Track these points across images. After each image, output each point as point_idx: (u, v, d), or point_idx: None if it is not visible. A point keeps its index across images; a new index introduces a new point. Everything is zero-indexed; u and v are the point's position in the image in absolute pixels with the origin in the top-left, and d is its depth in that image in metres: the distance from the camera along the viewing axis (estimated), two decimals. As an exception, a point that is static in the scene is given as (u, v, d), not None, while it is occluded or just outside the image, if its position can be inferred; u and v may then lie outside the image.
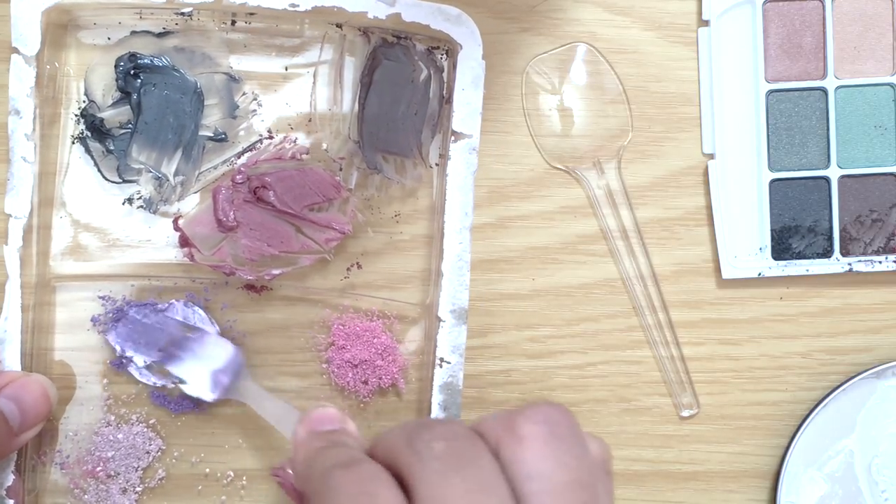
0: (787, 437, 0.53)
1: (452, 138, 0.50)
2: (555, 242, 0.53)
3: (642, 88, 0.52)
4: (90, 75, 0.51)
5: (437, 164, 0.52)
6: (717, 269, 0.52)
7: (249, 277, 0.50)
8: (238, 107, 0.51)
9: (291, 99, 0.51)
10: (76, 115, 0.51)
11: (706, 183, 0.52)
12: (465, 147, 0.50)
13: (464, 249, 0.50)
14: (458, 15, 0.49)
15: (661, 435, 0.53)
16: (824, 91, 0.52)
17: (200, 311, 0.50)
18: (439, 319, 0.50)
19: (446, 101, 0.51)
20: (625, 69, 0.52)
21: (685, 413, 0.53)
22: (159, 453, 0.51)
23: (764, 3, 0.52)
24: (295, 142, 0.51)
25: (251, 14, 0.50)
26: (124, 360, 0.50)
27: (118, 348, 0.50)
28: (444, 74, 0.51)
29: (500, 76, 0.51)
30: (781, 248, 0.53)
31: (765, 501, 0.53)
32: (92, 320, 0.51)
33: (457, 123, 0.50)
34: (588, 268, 0.53)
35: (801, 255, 0.53)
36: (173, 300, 0.50)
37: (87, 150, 0.51)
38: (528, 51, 0.52)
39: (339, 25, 0.51)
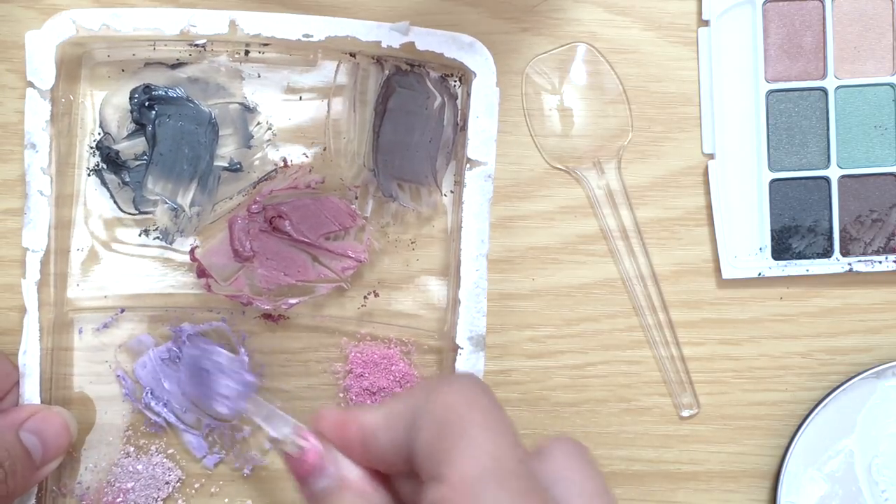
0: (787, 437, 0.53)
1: (468, 166, 0.50)
2: (555, 242, 0.53)
3: (642, 88, 0.52)
4: (105, 107, 0.51)
5: (451, 192, 0.52)
6: (717, 269, 0.53)
7: (266, 307, 0.50)
8: (253, 136, 0.51)
9: (306, 128, 0.51)
10: (91, 148, 0.51)
11: (706, 183, 0.52)
12: (480, 174, 0.50)
13: (480, 276, 0.50)
14: (471, 43, 0.49)
15: (661, 435, 0.53)
16: (824, 91, 0.52)
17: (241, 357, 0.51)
18: (457, 347, 0.50)
19: (461, 128, 0.51)
20: (625, 69, 0.52)
21: (685, 413, 0.53)
22: (179, 483, 0.51)
23: (764, 3, 0.52)
24: (310, 171, 0.51)
25: (265, 45, 0.50)
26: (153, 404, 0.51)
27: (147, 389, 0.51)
28: (458, 101, 0.51)
29: (501, 76, 0.51)
30: (781, 248, 0.53)
31: (765, 501, 0.53)
32: (118, 375, 0.51)
33: (472, 151, 0.50)
34: (588, 268, 0.53)
35: (801, 255, 0.53)
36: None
37: (103, 182, 0.51)
38: (528, 51, 0.52)
39: (352, 54, 0.51)
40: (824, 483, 0.53)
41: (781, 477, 0.52)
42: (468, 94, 0.50)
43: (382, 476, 0.38)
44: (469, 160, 0.50)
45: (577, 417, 0.53)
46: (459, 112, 0.51)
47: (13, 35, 0.51)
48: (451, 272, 0.51)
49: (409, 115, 0.50)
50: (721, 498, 0.53)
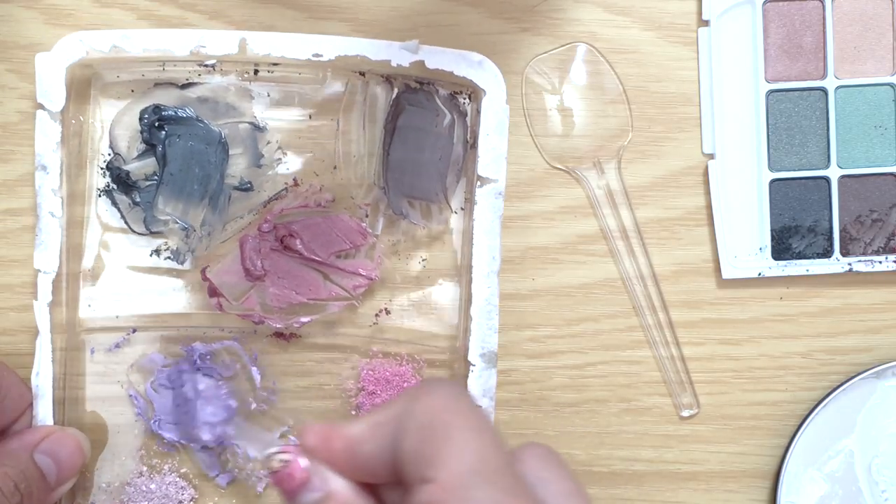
0: (787, 437, 0.53)
1: (478, 183, 0.50)
2: (555, 242, 0.53)
3: (642, 88, 0.52)
4: (115, 128, 0.51)
5: (462, 209, 0.52)
6: (717, 269, 0.53)
7: (278, 325, 0.50)
8: (263, 156, 0.51)
9: (316, 147, 0.51)
10: (102, 168, 0.51)
11: (706, 183, 0.52)
12: (491, 191, 0.50)
13: (492, 293, 0.50)
14: (480, 61, 0.49)
15: (661, 435, 0.53)
16: (824, 91, 0.52)
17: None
18: (469, 363, 0.50)
19: (471, 145, 0.51)
20: (625, 69, 0.52)
21: (685, 413, 0.53)
22: (192, 503, 0.51)
23: (764, 3, 0.52)
24: (320, 189, 0.51)
25: (274, 64, 0.50)
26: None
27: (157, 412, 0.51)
28: (468, 119, 0.51)
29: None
30: (781, 248, 0.53)
31: (765, 501, 0.53)
32: (130, 395, 0.51)
33: (482, 168, 0.50)
34: (588, 268, 0.53)
35: (801, 255, 0.53)
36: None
37: (114, 203, 0.51)
38: (528, 51, 0.52)
39: (362, 73, 0.51)
40: (824, 483, 0.53)
41: (781, 477, 0.52)
42: (478, 112, 0.50)
43: (369, 487, 0.37)
44: (479, 177, 0.50)
45: (576, 417, 0.53)
46: (469, 129, 0.51)
47: (13, 35, 0.51)
48: (462, 289, 0.51)
49: (418, 132, 0.50)
50: (721, 498, 0.53)
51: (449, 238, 0.52)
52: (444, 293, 0.52)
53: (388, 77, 0.51)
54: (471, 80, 0.49)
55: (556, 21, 0.52)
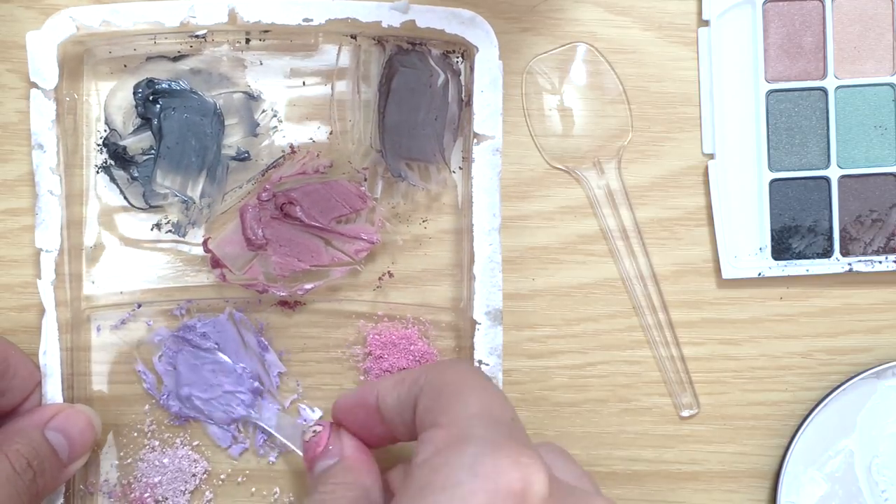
0: (787, 437, 0.53)
1: (475, 140, 0.50)
2: (555, 242, 0.53)
3: (642, 88, 0.52)
4: (109, 104, 0.51)
5: (460, 168, 0.52)
6: (717, 269, 0.53)
7: (282, 294, 0.50)
8: (259, 124, 0.51)
9: (311, 113, 0.51)
10: (98, 145, 0.51)
11: (706, 183, 0.52)
12: (488, 148, 0.50)
13: (494, 251, 0.50)
14: (471, 17, 0.49)
15: (661, 435, 0.53)
16: (824, 91, 0.52)
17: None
18: (475, 322, 0.50)
19: (466, 103, 0.51)
20: (625, 69, 0.52)
21: (685, 413, 0.53)
22: (205, 475, 0.51)
23: (764, 3, 0.52)
24: (318, 155, 0.51)
25: (265, 31, 0.50)
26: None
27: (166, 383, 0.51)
28: (462, 77, 0.51)
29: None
30: (781, 248, 0.53)
31: (765, 501, 0.53)
32: (138, 370, 0.51)
33: (478, 125, 0.50)
34: (588, 268, 0.53)
35: (801, 255, 0.53)
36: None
37: (112, 179, 0.51)
38: (528, 51, 0.52)
39: (353, 36, 0.51)
40: (824, 483, 0.53)
41: (781, 477, 0.52)
42: (471, 69, 0.50)
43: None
44: (476, 135, 0.50)
45: (577, 417, 0.53)
46: (463, 88, 0.51)
47: (13, 35, 0.51)
48: (464, 248, 0.51)
49: (413, 93, 0.50)
50: (721, 498, 0.53)
51: (449, 198, 0.52)
52: (447, 253, 0.52)
53: (380, 39, 0.51)
54: (463, 38, 0.49)
55: (556, 21, 0.52)
